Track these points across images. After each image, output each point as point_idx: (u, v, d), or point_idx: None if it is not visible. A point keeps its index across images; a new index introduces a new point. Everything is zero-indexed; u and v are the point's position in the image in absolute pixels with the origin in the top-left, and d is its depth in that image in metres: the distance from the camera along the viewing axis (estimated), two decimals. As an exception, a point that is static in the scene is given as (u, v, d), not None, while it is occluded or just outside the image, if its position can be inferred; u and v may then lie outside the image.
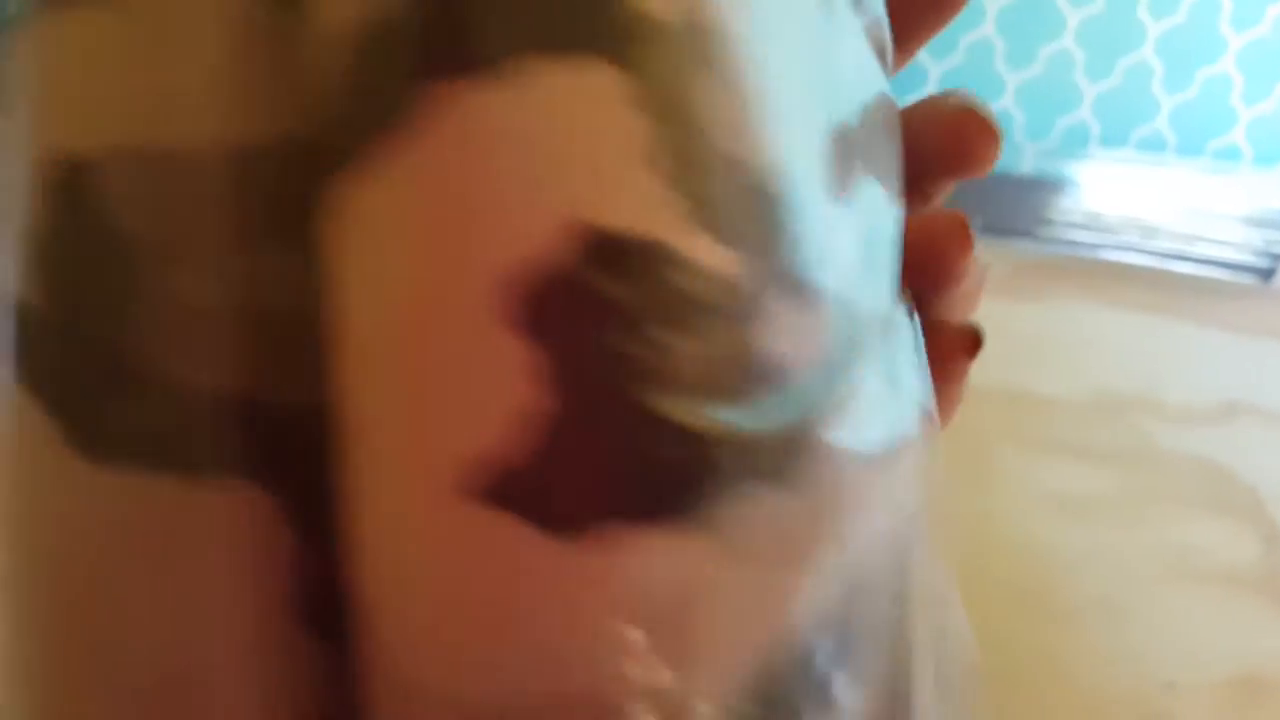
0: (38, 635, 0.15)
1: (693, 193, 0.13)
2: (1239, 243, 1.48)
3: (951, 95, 0.23)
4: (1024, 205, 1.48)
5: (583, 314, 0.13)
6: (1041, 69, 1.59)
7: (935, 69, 1.57)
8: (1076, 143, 1.64)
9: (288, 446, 0.14)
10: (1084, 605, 0.88)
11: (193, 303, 0.14)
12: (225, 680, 0.14)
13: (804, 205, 0.14)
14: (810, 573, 0.14)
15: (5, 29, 0.15)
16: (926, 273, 0.22)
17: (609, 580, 0.13)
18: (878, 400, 0.16)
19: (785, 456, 0.14)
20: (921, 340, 0.20)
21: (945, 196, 0.24)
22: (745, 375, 0.13)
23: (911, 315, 0.21)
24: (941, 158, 0.23)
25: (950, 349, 0.22)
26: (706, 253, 0.13)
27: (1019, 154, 1.57)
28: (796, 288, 0.14)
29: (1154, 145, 1.65)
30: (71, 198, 0.14)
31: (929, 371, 0.21)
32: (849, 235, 0.16)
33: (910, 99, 0.24)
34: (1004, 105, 1.58)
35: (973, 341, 0.22)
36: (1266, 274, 1.45)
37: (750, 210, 0.14)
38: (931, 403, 0.21)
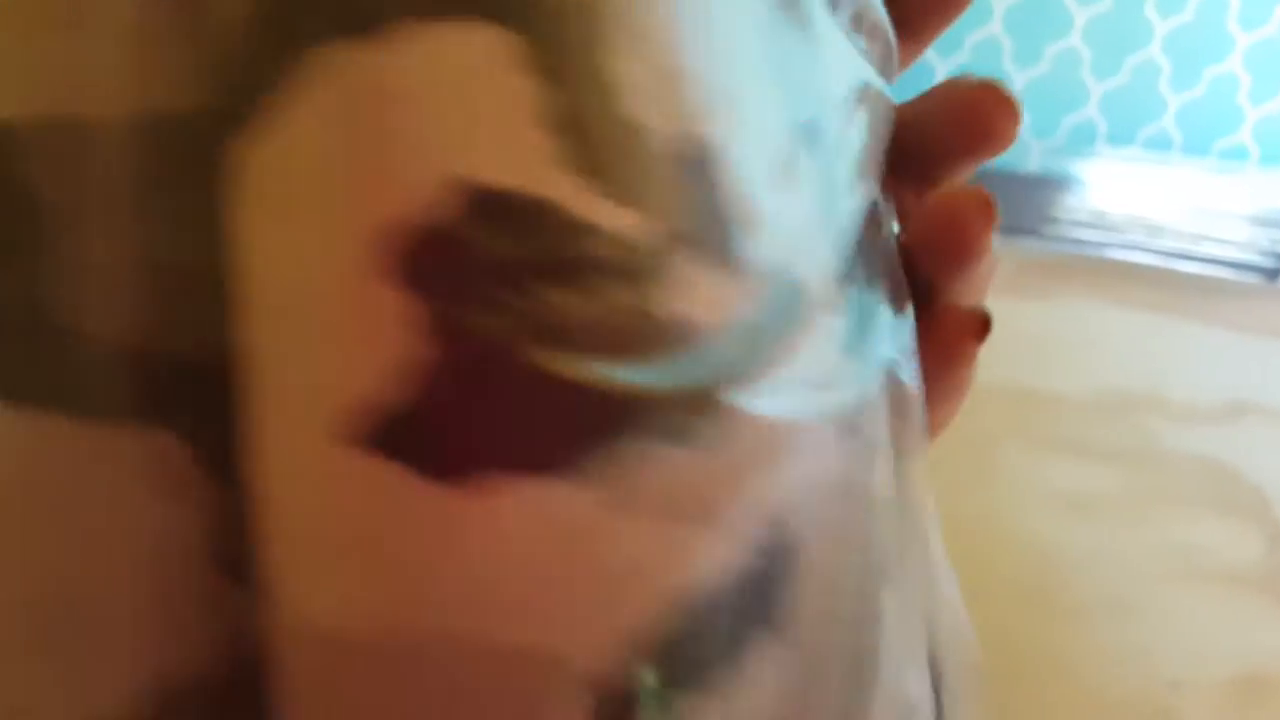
0: None
1: (587, 154, 0.13)
2: (1245, 242, 1.48)
3: (970, 76, 0.23)
4: (1030, 203, 1.48)
5: (460, 267, 0.13)
6: (1048, 67, 1.59)
7: (942, 66, 1.57)
8: (1083, 141, 1.64)
9: (202, 396, 0.14)
10: (1089, 604, 0.88)
11: (100, 261, 0.14)
12: (123, 610, 0.15)
13: (734, 180, 0.15)
14: (716, 531, 0.15)
15: None
16: (947, 248, 0.22)
17: (489, 527, 0.13)
18: (825, 368, 0.17)
19: (690, 416, 0.14)
20: (902, 319, 0.20)
21: (967, 180, 0.24)
22: (643, 335, 0.14)
23: (895, 295, 0.21)
24: (961, 135, 0.23)
25: (959, 332, 0.22)
26: (599, 213, 0.13)
27: (1025, 152, 1.57)
28: (714, 255, 0.14)
29: (1160, 144, 1.64)
30: None
31: (913, 347, 0.21)
32: (797, 215, 0.16)
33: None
34: (1010, 103, 1.58)
35: (981, 325, 0.22)
36: (1272, 274, 1.45)
37: (658, 176, 0.14)
38: (911, 374, 0.21)
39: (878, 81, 0.21)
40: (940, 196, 0.22)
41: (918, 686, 0.20)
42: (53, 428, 0.15)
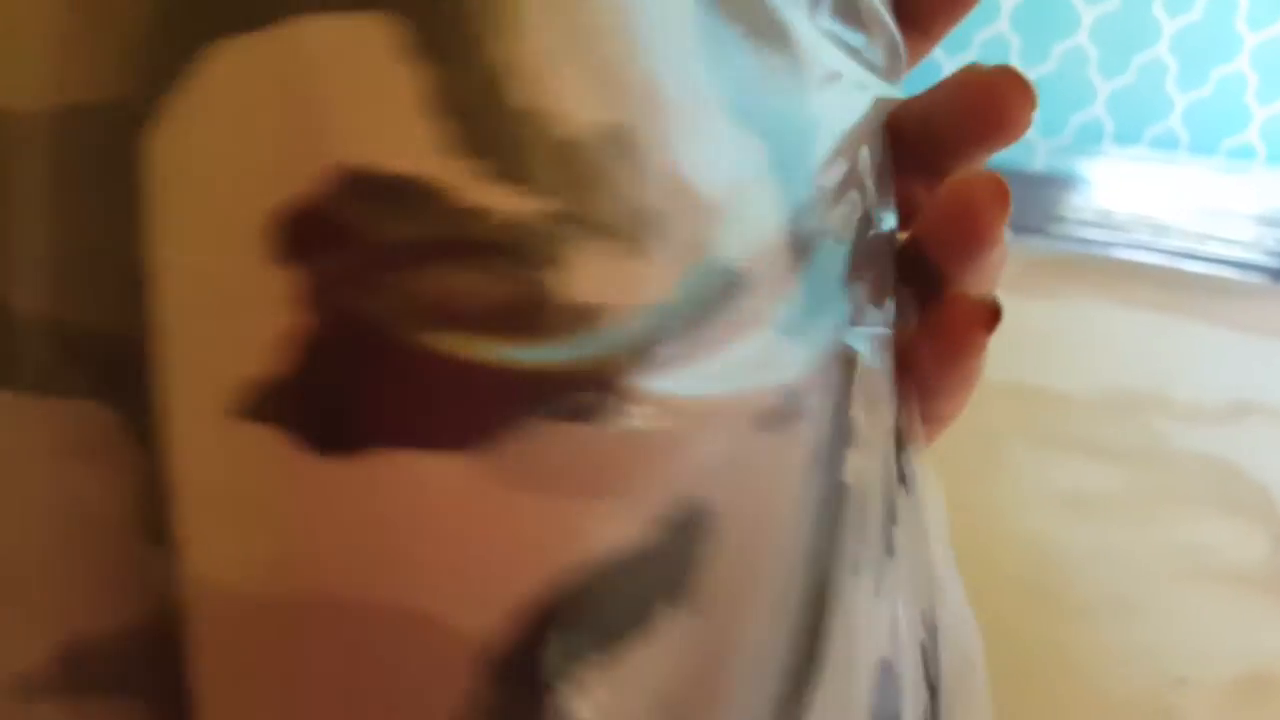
0: None
1: (480, 140, 0.14)
2: (1251, 242, 1.48)
3: (983, 65, 0.23)
4: (1036, 202, 1.48)
5: (344, 249, 0.14)
6: (1055, 66, 1.59)
7: (949, 64, 1.57)
8: (1089, 140, 1.63)
9: (126, 370, 0.15)
10: (1093, 602, 0.88)
11: (25, 243, 0.15)
12: (42, 573, 0.16)
13: (650, 166, 0.15)
14: (616, 505, 0.15)
15: None
16: (958, 236, 0.22)
17: (365, 495, 0.14)
18: (756, 350, 0.17)
19: (589, 394, 0.15)
20: (883, 309, 0.20)
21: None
22: (540, 316, 0.15)
23: (876, 286, 0.21)
24: (974, 122, 0.23)
25: (968, 322, 0.22)
26: (492, 197, 0.14)
27: (1031, 151, 1.57)
28: (622, 239, 0.15)
29: (1167, 143, 1.64)
30: None
31: (889, 335, 0.21)
32: (732, 200, 0.17)
33: (924, 97, 0.24)
34: (1017, 102, 1.58)
35: (991, 314, 0.22)
36: (1278, 274, 1.45)
37: (560, 161, 0.15)
38: (883, 361, 0.21)
39: (865, 75, 0.21)
40: (952, 183, 0.22)
41: (899, 678, 0.20)
42: None
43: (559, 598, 0.15)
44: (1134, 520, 0.99)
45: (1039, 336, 1.21)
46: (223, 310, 0.14)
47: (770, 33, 0.18)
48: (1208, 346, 1.29)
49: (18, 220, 0.15)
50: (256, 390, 0.14)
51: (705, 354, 0.16)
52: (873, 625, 0.19)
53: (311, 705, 0.15)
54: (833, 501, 0.19)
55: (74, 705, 0.16)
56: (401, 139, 0.14)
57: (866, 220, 0.21)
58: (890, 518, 0.22)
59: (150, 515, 0.15)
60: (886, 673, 0.20)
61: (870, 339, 0.21)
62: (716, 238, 0.16)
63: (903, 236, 0.24)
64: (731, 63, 0.17)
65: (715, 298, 0.16)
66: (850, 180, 0.20)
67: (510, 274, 0.14)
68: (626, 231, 0.15)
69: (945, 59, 1.58)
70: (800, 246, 0.18)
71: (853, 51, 0.21)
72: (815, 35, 0.19)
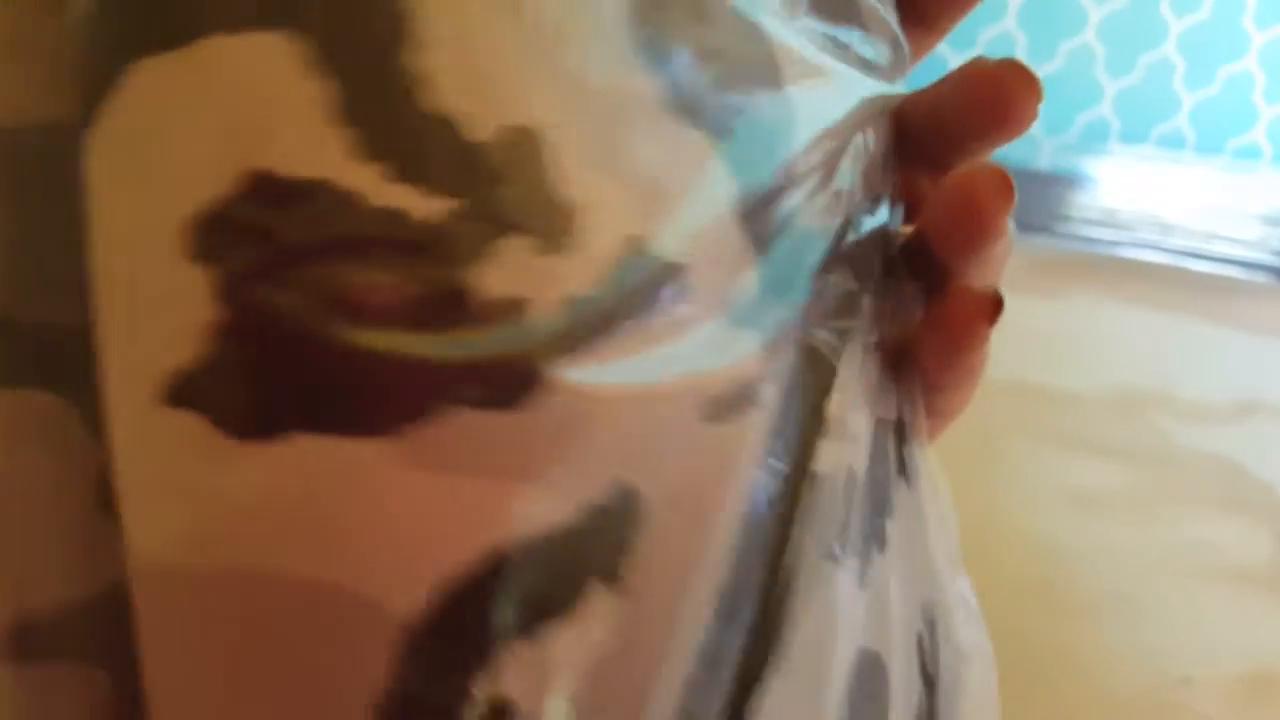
0: None
1: (388, 145, 0.15)
2: (1257, 241, 1.48)
3: (988, 58, 0.23)
4: (1042, 201, 1.48)
5: (253, 248, 0.15)
6: (1062, 64, 1.59)
7: (955, 61, 1.57)
8: (1096, 139, 1.63)
9: (79, 363, 0.16)
10: (1098, 600, 0.89)
11: None
12: (16, 544, 0.17)
13: (567, 166, 0.16)
14: (537, 489, 0.16)
15: None
16: (962, 228, 0.21)
17: (290, 479, 0.15)
18: (699, 340, 0.17)
19: (507, 384, 0.16)
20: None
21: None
22: (454, 310, 0.15)
23: (858, 275, 0.21)
24: (979, 114, 0.23)
25: (969, 314, 0.22)
26: (403, 198, 0.15)
27: (1038, 149, 1.57)
28: (539, 236, 0.16)
29: (1174, 142, 1.64)
30: None
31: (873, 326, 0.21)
32: (661, 198, 0.17)
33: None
34: (1023, 100, 1.58)
35: (992, 306, 0.22)
36: (1284, 273, 1.45)
37: (472, 163, 0.15)
38: (854, 345, 0.21)
39: (852, 71, 0.21)
40: (956, 175, 0.22)
41: (885, 669, 0.20)
42: None
43: (481, 577, 0.16)
44: (1138, 519, 0.99)
45: (1044, 335, 1.21)
46: (149, 305, 0.15)
47: (729, 32, 0.18)
48: (1213, 345, 1.29)
49: None
50: (178, 379, 0.15)
51: (641, 343, 0.17)
52: (853, 615, 0.20)
53: (235, 673, 0.16)
54: (796, 491, 0.19)
55: (24, 672, 0.17)
56: (308, 145, 0.15)
57: (850, 214, 0.21)
58: (882, 509, 0.22)
59: (106, 495, 0.16)
60: (869, 663, 0.20)
61: (849, 332, 0.21)
62: (650, 231, 0.17)
63: (909, 229, 0.24)
64: (673, 64, 0.17)
65: (649, 289, 0.17)
66: (831, 173, 0.21)
67: (425, 270, 0.15)
68: (542, 228, 0.16)
69: (952, 56, 1.58)
70: (758, 238, 0.19)
71: (840, 48, 0.21)
72: (789, 34, 0.20)
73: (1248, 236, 1.48)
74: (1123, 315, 1.33)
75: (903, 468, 0.23)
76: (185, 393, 0.15)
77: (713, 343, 0.18)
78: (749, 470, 0.18)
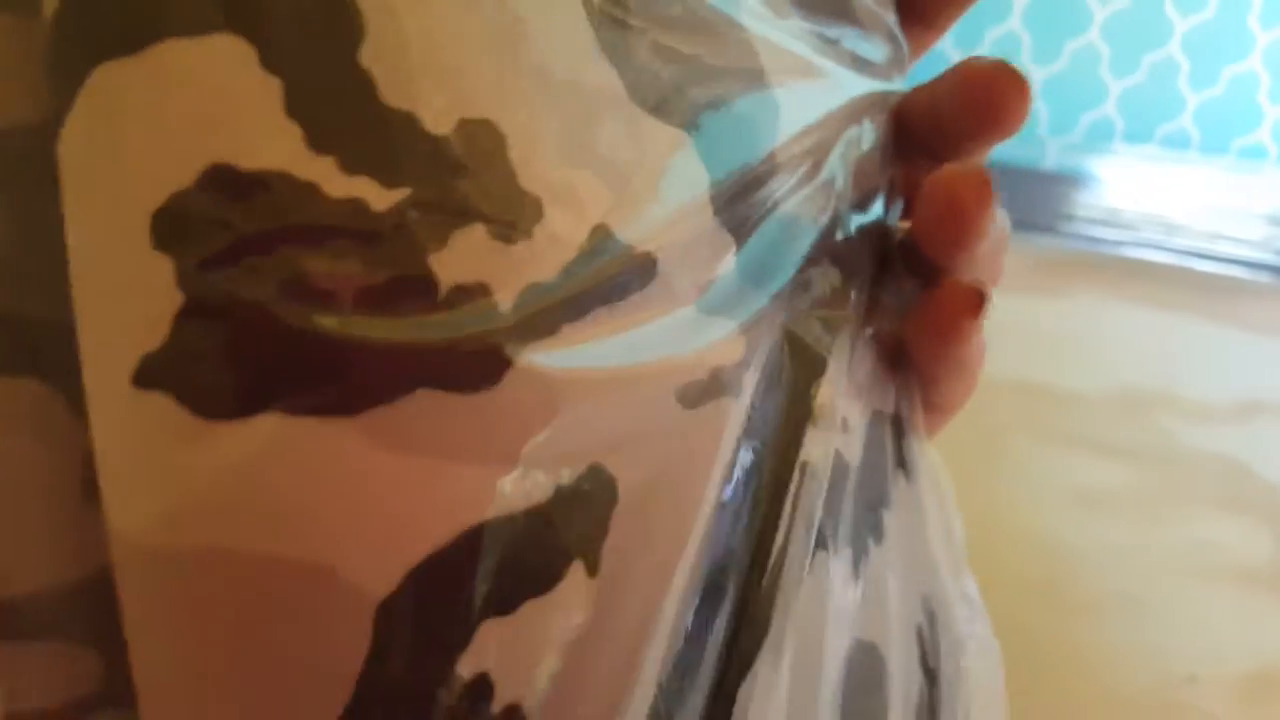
0: None
1: (345, 141, 0.16)
2: (1261, 241, 1.48)
3: (983, 56, 0.23)
4: (1046, 200, 1.48)
5: (207, 232, 0.15)
6: (1067, 64, 1.59)
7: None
8: (1100, 138, 1.63)
9: (65, 353, 0.17)
10: (1102, 599, 0.89)
11: None
12: (5, 530, 0.18)
13: (529, 158, 0.16)
14: (504, 470, 0.16)
15: None
16: (944, 229, 0.22)
17: (260, 459, 0.15)
18: (669, 327, 0.18)
19: (472, 368, 0.16)
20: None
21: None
22: (415, 296, 0.16)
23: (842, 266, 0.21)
24: (972, 115, 0.23)
25: (954, 309, 0.22)
26: (361, 189, 0.16)
27: (1042, 149, 1.57)
28: (499, 225, 0.16)
29: (1178, 142, 1.64)
30: None
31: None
32: (629, 188, 0.18)
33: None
34: (1028, 100, 1.58)
35: (976, 301, 0.22)
36: (1289, 273, 1.45)
37: (430, 157, 0.16)
38: (843, 336, 0.21)
39: (840, 68, 0.21)
40: (936, 177, 0.22)
41: (883, 660, 0.21)
42: None
43: (457, 558, 0.16)
44: (1142, 518, 0.99)
45: (1048, 334, 1.21)
46: (121, 294, 0.16)
47: (701, 27, 0.19)
48: (1217, 345, 1.29)
49: None
50: (148, 362, 0.16)
51: (610, 329, 0.17)
52: (846, 604, 0.20)
53: (214, 653, 0.16)
54: (779, 478, 0.20)
55: (6, 649, 0.18)
56: (262, 139, 0.16)
57: (840, 208, 0.21)
58: (879, 501, 0.22)
59: (93, 481, 0.17)
60: (864, 653, 0.20)
61: (838, 323, 0.21)
62: (617, 220, 0.17)
63: (907, 225, 0.24)
64: (640, 57, 0.18)
65: (618, 276, 0.17)
66: (818, 166, 0.21)
67: (387, 257, 0.16)
68: (505, 217, 0.16)
69: (956, 55, 1.58)
70: (735, 227, 0.19)
71: (829, 44, 0.21)
72: (770, 29, 0.20)
73: (1252, 236, 1.48)
74: (1127, 315, 1.33)
75: (901, 461, 0.23)
76: (156, 375, 0.16)
77: (687, 328, 0.18)
78: (727, 454, 0.19)
